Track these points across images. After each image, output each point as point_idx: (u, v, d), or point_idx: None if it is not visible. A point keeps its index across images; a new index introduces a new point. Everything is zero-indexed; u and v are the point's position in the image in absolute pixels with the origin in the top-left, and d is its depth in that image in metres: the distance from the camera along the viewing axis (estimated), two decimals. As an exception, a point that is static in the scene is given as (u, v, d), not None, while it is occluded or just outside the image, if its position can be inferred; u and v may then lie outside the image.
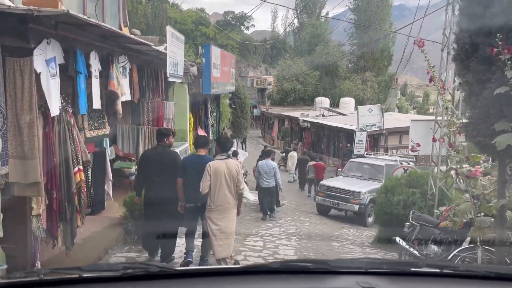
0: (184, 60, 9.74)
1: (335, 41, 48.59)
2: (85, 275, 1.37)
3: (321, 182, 12.24)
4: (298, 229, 9.31)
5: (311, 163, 15.03)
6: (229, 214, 4.99)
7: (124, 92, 6.59)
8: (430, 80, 4.89)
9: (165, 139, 5.66)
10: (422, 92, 76.93)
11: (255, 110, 45.07)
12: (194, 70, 9.99)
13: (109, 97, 5.63)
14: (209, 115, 12.16)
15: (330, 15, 52.34)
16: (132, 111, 9.94)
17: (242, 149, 16.10)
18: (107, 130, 7.15)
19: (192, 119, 10.40)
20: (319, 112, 29.57)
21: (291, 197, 14.34)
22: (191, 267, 4.36)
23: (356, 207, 10.96)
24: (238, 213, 5.21)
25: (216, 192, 4.87)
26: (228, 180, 4.89)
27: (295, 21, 56.71)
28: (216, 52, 10.79)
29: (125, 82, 6.78)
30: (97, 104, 5.33)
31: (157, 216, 5.41)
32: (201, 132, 11.83)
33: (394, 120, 23.09)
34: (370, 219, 11.28)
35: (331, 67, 42.61)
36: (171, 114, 9.91)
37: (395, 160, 12.08)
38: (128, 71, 7.05)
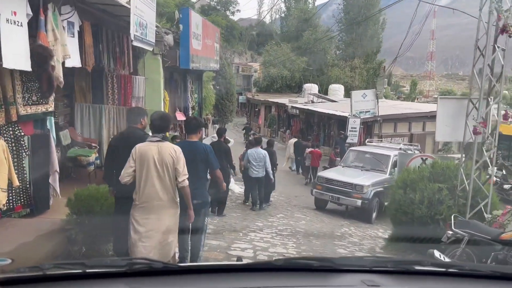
0: (158, 26, 8.06)
1: (324, 26, 47.27)
2: (88, 271, 1.37)
3: (319, 174, 10.84)
4: (293, 229, 7.85)
5: (308, 150, 14.00)
6: (161, 215, 3.87)
7: (69, 54, 4.93)
8: (503, 31, 3.41)
9: (141, 120, 4.54)
10: (406, 82, 77.47)
11: (240, 97, 43.72)
12: (169, 39, 8.32)
13: (38, 54, 3.96)
14: (189, 95, 10.51)
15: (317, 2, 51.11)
16: (93, 87, 8.24)
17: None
18: (50, 107, 5.47)
19: (168, 99, 8.76)
20: (308, 99, 28.16)
21: (281, 188, 12.86)
22: (195, 263, 3.81)
23: (359, 202, 9.60)
24: (189, 218, 4.07)
25: (141, 183, 3.82)
26: (159, 169, 3.81)
27: (282, 5, 55.28)
28: (196, 19, 9.11)
29: (71, 42, 5.11)
30: (11, 61, 3.66)
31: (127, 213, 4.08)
32: (179, 115, 10.21)
33: (388, 107, 21.87)
34: (373, 215, 9.97)
35: (319, 53, 41.58)
36: (141, 92, 8.27)
37: (400, 148, 10.72)
38: (77, 28, 5.37)
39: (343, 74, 40.61)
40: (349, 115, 18.97)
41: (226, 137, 8.90)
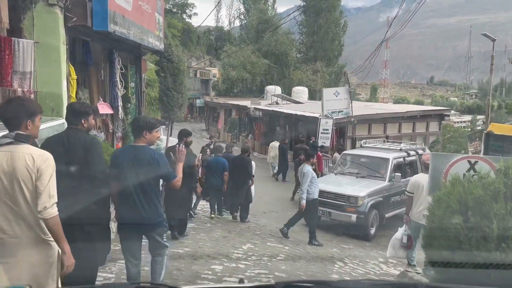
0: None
1: (285, 27, 45.88)
2: None
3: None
4: (271, 274, 5.12)
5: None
6: (16, 257, 2.41)
7: None
8: None
9: (82, 121, 3.25)
10: (361, 90, 79.88)
11: (198, 101, 41.28)
12: (74, -17, 5.41)
13: None
14: (118, 80, 7.56)
15: (277, 5, 50.26)
16: None
17: (171, 136, 11.36)
18: None
19: (75, 77, 5.79)
20: (272, 100, 25.85)
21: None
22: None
23: (353, 217, 7.54)
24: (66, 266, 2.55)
25: None
26: (7, 187, 2.40)
27: (241, 7, 53.72)
28: (122, -37, 6.22)
29: None
30: None
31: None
32: (102, 106, 7.24)
33: (361, 107, 20.11)
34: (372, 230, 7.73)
35: (281, 56, 40.15)
36: (28, 64, 5.27)
37: (400, 149, 8.45)
38: None
39: (305, 77, 39.39)
40: (320, 115, 16.97)
41: (188, 140, 6.35)
